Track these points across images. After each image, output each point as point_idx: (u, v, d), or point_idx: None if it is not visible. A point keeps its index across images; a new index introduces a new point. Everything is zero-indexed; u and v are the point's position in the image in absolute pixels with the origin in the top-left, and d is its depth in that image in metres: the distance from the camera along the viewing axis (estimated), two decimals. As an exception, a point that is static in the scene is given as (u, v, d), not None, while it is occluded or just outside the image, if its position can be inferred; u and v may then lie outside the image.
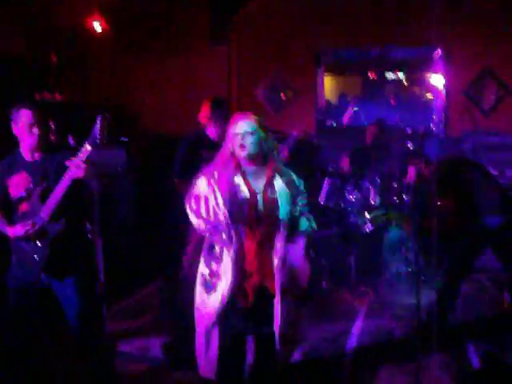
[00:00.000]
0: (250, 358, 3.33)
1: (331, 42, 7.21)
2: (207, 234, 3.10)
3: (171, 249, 4.29)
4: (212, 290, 3.05)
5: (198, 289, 3.14)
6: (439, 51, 7.05)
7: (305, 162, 5.83)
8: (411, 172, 4.46)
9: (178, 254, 4.06)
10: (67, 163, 3.04)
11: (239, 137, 3.00)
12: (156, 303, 5.02)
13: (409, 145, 5.34)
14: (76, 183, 3.06)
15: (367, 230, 5.58)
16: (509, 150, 6.38)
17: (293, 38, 7.16)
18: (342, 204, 5.53)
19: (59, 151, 3.25)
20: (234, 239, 2.98)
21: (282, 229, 3.00)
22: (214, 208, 3.00)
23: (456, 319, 4.47)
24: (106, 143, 3.04)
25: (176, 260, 4.07)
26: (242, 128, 3.01)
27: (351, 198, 5.46)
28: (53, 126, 3.33)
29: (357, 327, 4.60)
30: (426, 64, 8.08)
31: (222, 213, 2.96)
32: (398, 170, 5.51)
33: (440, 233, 4.35)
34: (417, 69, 9.46)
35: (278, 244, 3.00)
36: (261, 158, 3.07)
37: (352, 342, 4.34)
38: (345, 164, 5.96)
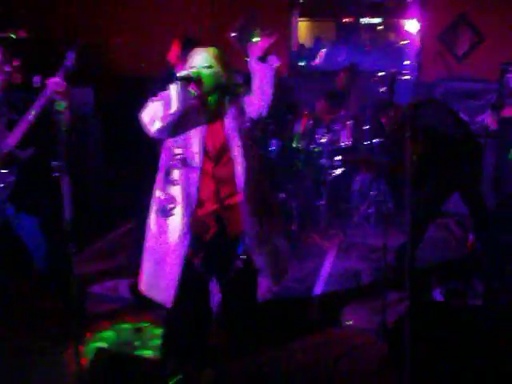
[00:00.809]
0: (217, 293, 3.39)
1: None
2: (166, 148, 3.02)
3: (141, 190, 4.26)
4: (168, 215, 3.00)
5: (153, 216, 3.08)
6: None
7: (277, 103, 5.79)
8: (384, 120, 4.45)
9: (147, 195, 4.03)
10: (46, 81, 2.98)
11: (194, 70, 2.92)
12: (127, 244, 5.03)
13: (381, 89, 5.32)
14: (46, 113, 3.01)
15: (338, 173, 5.62)
16: (480, 96, 6.39)
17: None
18: (314, 146, 5.52)
19: (25, 90, 3.20)
20: (191, 162, 2.93)
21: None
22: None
23: (422, 261, 4.56)
24: (75, 80, 2.99)
25: (146, 201, 4.05)
26: (197, 62, 2.94)
27: (322, 140, 5.46)
28: (18, 64, 3.25)
29: (326, 268, 4.68)
30: (402, 9, 8.02)
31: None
32: (369, 113, 5.52)
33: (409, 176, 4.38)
34: (392, 14, 9.41)
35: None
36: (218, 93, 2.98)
37: (320, 282, 4.43)
38: (322, 106, 5.94)
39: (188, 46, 4.09)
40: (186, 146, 2.94)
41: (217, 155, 2.97)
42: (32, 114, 3.02)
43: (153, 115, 2.87)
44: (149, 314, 3.80)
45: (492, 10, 6.58)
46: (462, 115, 5.73)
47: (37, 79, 4.25)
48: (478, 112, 6.05)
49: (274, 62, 2.87)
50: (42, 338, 3.55)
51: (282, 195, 5.12)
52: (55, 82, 2.98)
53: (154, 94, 2.96)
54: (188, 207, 2.96)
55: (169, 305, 3.08)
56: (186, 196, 2.95)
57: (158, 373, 2.69)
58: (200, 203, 2.99)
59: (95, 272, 4.55)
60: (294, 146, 5.53)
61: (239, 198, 2.99)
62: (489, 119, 5.19)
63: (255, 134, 3.16)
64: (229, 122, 2.96)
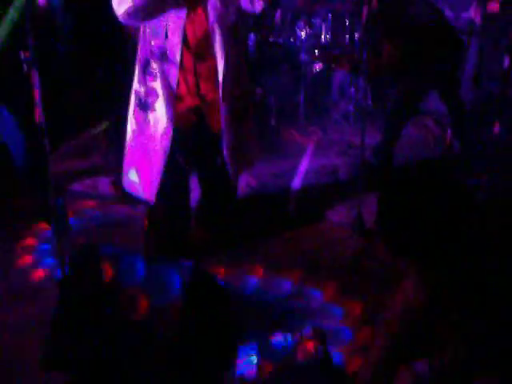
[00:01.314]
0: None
1: None
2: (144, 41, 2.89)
3: (117, 86, 4.15)
4: (149, 109, 2.92)
5: (133, 110, 3.01)
6: None
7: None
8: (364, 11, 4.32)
9: (124, 91, 3.94)
10: None
11: None
12: (104, 142, 4.98)
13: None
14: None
15: (317, 69, 5.53)
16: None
17: None
18: (293, 40, 5.39)
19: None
20: (170, 54, 2.80)
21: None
22: None
23: (400, 159, 4.62)
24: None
25: (123, 98, 3.97)
26: None
27: (302, 34, 5.32)
28: None
29: (303, 164, 4.71)
30: None
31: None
32: (350, 8, 5.37)
33: (389, 72, 4.34)
34: None
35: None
36: None
37: (298, 178, 4.47)
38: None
39: None
40: (164, 37, 2.79)
41: (198, 49, 2.86)
42: None
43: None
44: (130, 210, 3.83)
45: None
46: (447, 11, 5.61)
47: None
48: (464, 8, 5.90)
49: None
50: (24, 235, 3.58)
51: (259, 90, 5.05)
52: None
53: None
54: (169, 101, 2.87)
55: (152, 201, 3.07)
56: (167, 89, 2.86)
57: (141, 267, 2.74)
58: (180, 98, 2.92)
59: (73, 170, 4.52)
60: (271, 40, 5.39)
61: (219, 94, 2.91)
62: (473, 13, 5.07)
63: (240, 30, 3.00)
64: (212, 13, 2.79)
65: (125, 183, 3.21)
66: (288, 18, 5.41)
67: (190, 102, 2.95)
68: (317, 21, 5.41)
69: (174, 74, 2.83)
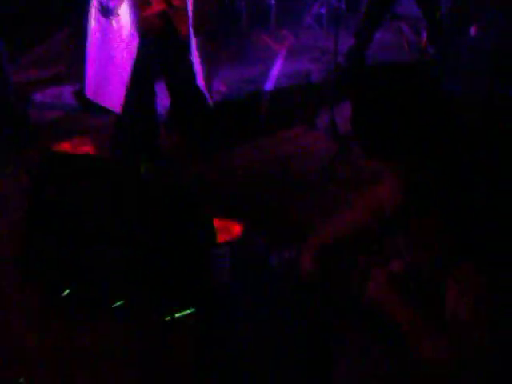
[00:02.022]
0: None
1: None
2: None
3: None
4: (112, 14, 2.77)
5: (95, 15, 2.84)
6: None
7: None
8: None
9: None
10: None
11: None
12: (67, 50, 4.77)
13: None
14: None
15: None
16: None
17: None
18: None
19: None
20: None
21: None
22: None
23: (373, 61, 4.52)
24: None
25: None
26: None
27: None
28: None
29: (275, 69, 4.59)
30: None
31: None
32: None
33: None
34: None
35: None
36: None
37: (270, 82, 4.36)
38: None
39: None
40: None
41: None
42: None
43: None
44: (95, 120, 3.71)
45: None
46: None
47: None
48: None
49: None
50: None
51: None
52: None
53: None
54: (134, 5, 2.72)
55: (118, 109, 2.97)
56: None
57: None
58: (146, 2, 2.77)
59: (35, 80, 4.36)
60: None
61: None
62: None
63: None
64: None
65: (90, 92, 3.09)
66: None
67: (156, 6, 2.81)
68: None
69: None
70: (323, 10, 5.32)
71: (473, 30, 3.79)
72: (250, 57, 4.74)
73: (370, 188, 1.97)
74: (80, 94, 3.95)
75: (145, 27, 2.80)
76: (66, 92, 4.15)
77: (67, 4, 4.60)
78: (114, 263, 2.22)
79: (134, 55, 2.81)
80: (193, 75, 2.97)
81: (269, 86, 4.31)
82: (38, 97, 4.14)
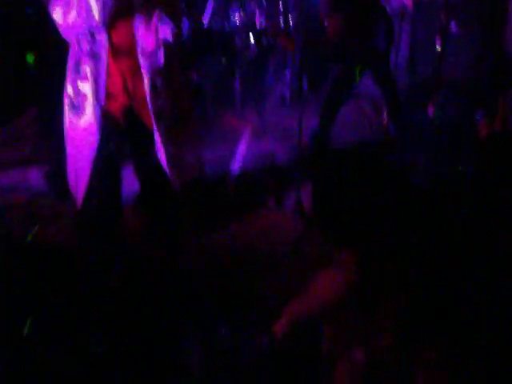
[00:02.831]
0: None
1: None
2: (73, 41, 2.78)
3: (47, 75, 3.99)
4: (79, 111, 2.84)
5: (66, 112, 2.91)
6: None
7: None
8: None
9: (54, 78, 3.78)
10: None
11: None
12: (33, 133, 4.78)
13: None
14: None
15: (252, 54, 5.48)
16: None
17: None
18: (227, 26, 5.32)
19: None
20: (100, 50, 2.73)
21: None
22: (83, 11, 2.67)
23: (336, 141, 4.64)
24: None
25: (53, 86, 3.80)
26: None
27: (236, 20, 5.26)
28: None
29: (241, 150, 4.68)
30: None
31: (95, 15, 2.66)
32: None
33: (326, 52, 4.36)
34: None
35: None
36: None
37: (236, 163, 4.43)
38: None
39: None
40: (91, 36, 2.71)
41: (122, 47, 2.78)
42: None
43: None
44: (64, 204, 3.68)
45: None
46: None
47: None
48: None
49: None
50: None
51: (195, 77, 4.97)
52: None
53: None
54: (98, 102, 2.79)
55: (79, 199, 2.95)
56: (95, 90, 2.77)
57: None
58: (109, 97, 2.82)
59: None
60: (205, 25, 5.30)
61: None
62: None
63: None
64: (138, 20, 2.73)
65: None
66: (221, 4, 5.33)
67: (120, 100, 2.86)
68: (250, 5, 5.36)
69: (101, 72, 2.75)
70: (287, 91, 5.48)
71: (430, 109, 3.92)
72: (216, 138, 4.81)
73: (325, 270, 1.98)
74: (51, 176, 3.95)
75: (109, 120, 2.85)
76: (33, 175, 4.12)
77: (30, 86, 4.64)
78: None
79: (95, 146, 2.84)
80: (159, 161, 2.99)
81: (235, 166, 4.37)
82: (1, 179, 4.09)
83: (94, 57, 2.74)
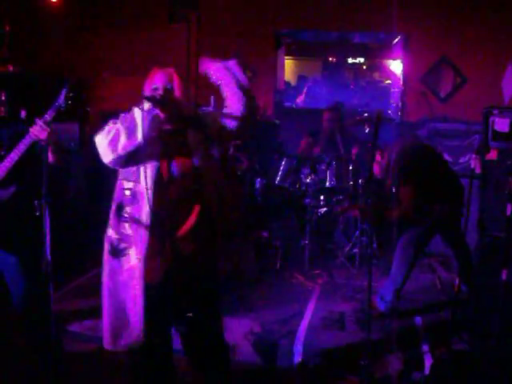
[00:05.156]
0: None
1: (292, 23, 7.17)
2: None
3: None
4: (122, 255, 2.73)
5: (105, 257, 2.82)
6: (399, 38, 7.13)
7: (263, 142, 5.81)
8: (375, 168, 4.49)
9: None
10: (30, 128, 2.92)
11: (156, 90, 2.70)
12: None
13: (366, 129, 5.39)
14: (32, 151, 2.96)
15: (321, 212, 5.61)
16: (462, 137, 6.47)
17: (253, 17, 7.08)
18: (298, 186, 5.53)
19: (10, 123, 3.16)
20: (140, 198, 2.68)
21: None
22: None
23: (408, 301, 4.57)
24: (66, 113, 2.94)
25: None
26: (160, 81, 2.71)
27: (307, 180, 5.47)
28: (3, 98, 3.22)
29: (309, 309, 4.60)
30: (386, 50, 8.19)
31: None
32: (353, 153, 5.55)
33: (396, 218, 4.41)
34: (376, 55, 9.59)
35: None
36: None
37: (304, 324, 4.33)
38: (307, 143, 6.07)
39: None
40: (136, 180, 2.70)
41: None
42: (17, 152, 2.99)
43: (111, 142, 2.62)
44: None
45: (473, 52, 6.75)
46: (445, 155, 5.80)
47: (23, 113, 4.24)
48: (461, 153, 6.12)
49: None
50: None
51: (265, 234, 5.10)
52: (37, 129, 2.90)
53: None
54: (140, 248, 2.70)
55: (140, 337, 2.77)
56: (138, 236, 2.70)
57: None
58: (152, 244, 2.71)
59: (73, 311, 4.44)
60: (277, 183, 5.54)
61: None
62: (473, 163, 5.26)
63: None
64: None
65: (107, 343, 2.95)
66: (293, 164, 5.58)
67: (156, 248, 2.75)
68: (321, 166, 5.58)
69: (144, 219, 2.68)
70: (356, 250, 5.51)
71: (504, 274, 3.83)
72: (284, 296, 4.82)
73: None
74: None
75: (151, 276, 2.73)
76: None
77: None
78: None
79: (143, 286, 2.71)
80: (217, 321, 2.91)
81: (303, 326, 4.27)
82: (73, 327, 4.16)
83: (137, 199, 2.68)
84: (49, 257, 2.67)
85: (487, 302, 4.31)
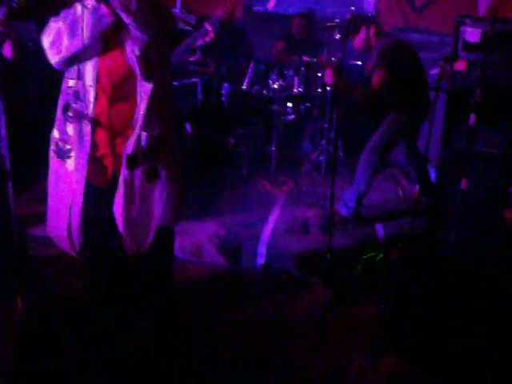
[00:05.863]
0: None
1: None
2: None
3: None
4: (66, 156, 2.69)
5: (51, 155, 2.77)
6: None
7: (230, 45, 5.66)
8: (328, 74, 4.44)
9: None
10: None
11: None
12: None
13: (336, 36, 5.28)
14: None
15: (289, 119, 5.57)
16: (434, 49, 6.40)
17: None
18: (265, 92, 5.45)
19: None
20: (84, 96, 2.59)
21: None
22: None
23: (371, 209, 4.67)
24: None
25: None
26: None
27: (275, 86, 5.38)
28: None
29: (274, 215, 4.68)
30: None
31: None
32: (322, 60, 5.47)
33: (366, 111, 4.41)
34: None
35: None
36: None
37: (268, 228, 4.43)
38: (280, 48, 5.95)
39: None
40: (79, 77, 2.59)
41: (113, 92, 2.63)
42: None
43: (53, 44, 2.52)
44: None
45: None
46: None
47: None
48: (432, 65, 6.06)
49: None
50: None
51: (232, 140, 5.06)
52: None
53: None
54: (83, 149, 2.65)
55: (74, 252, 2.87)
56: (80, 137, 2.64)
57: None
58: (96, 146, 2.69)
59: (36, 215, 4.40)
60: (244, 88, 5.43)
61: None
62: (438, 70, 5.23)
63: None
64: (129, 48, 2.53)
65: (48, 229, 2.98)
66: (261, 70, 5.47)
67: (101, 151, 2.73)
68: (289, 72, 5.48)
69: (86, 118, 2.62)
70: (322, 158, 5.53)
71: (463, 182, 3.91)
72: (250, 202, 4.85)
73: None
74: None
75: (95, 171, 2.72)
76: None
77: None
78: None
79: (81, 201, 2.72)
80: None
81: (267, 231, 4.36)
82: (37, 232, 4.11)
83: (81, 97, 2.61)
84: (4, 152, 2.58)
85: (445, 212, 4.42)
